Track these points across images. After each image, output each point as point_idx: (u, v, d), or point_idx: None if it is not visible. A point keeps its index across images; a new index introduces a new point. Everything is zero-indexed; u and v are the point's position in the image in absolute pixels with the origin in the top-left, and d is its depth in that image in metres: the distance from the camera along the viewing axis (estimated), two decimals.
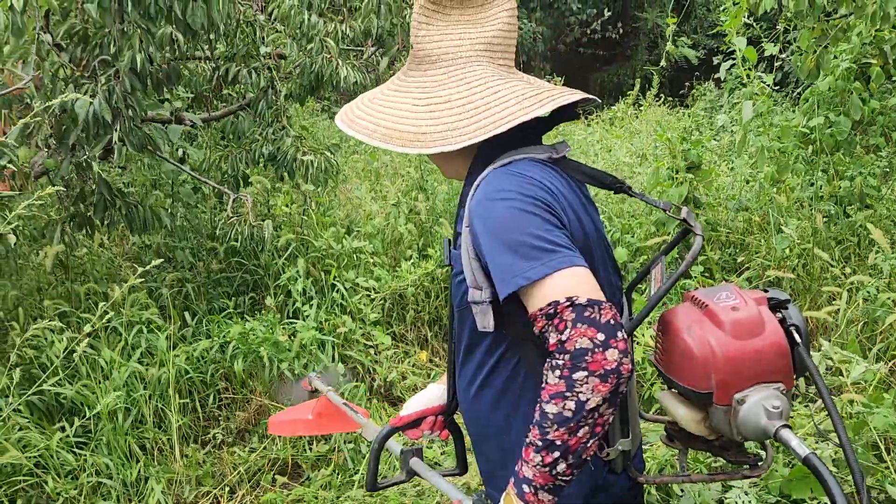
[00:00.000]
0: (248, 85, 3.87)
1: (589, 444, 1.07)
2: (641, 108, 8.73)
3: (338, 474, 3.04)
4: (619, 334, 1.04)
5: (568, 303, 1.05)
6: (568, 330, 1.04)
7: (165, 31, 3.05)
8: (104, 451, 2.91)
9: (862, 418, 2.34)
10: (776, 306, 1.21)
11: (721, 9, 4.15)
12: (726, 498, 2.21)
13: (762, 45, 3.97)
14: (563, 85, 9.19)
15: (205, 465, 3.11)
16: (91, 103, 2.30)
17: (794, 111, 5.44)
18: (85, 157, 3.03)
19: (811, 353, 1.23)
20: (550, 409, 1.05)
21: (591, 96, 1.27)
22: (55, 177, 3.12)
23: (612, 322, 1.04)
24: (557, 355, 1.05)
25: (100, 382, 3.03)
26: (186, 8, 3.04)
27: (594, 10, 13.55)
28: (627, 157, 6.04)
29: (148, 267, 2.13)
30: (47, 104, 2.42)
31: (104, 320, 3.38)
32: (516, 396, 1.27)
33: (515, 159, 1.23)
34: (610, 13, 13.28)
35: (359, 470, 3.04)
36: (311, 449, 3.23)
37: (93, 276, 3.76)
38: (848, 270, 3.39)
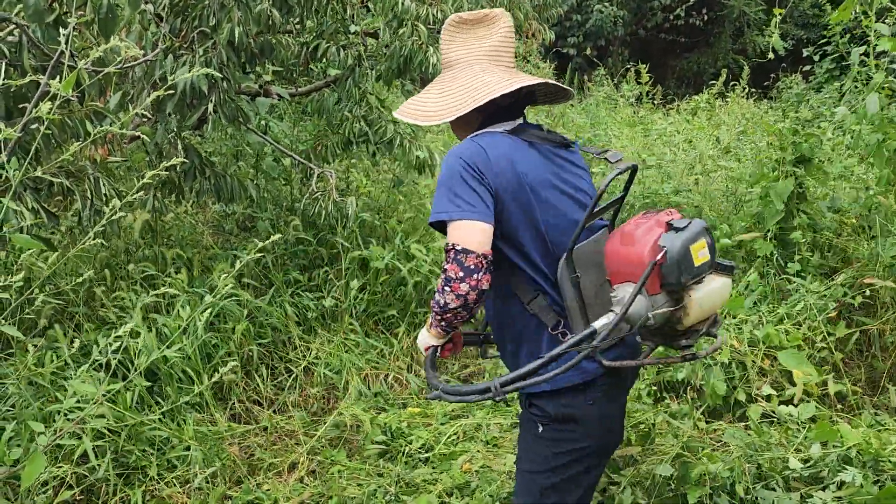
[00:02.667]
0: (335, 62, 3.89)
1: (455, 321, 1.69)
2: (728, 99, 8.42)
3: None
4: (475, 275, 1.58)
5: (451, 247, 1.60)
6: (447, 263, 1.61)
7: (263, 5, 3.09)
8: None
9: None
10: (676, 230, 1.61)
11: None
12: None
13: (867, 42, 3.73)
14: (647, 71, 8.95)
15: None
16: (191, 74, 2.35)
17: None
18: (179, 126, 3.11)
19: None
20: (436, 296, 1.67)
21: (561, 86, 1.81)
22: (150, 143, 3.21)
23: (471, 266, 1.58)
24: (441, 274, 1.63)
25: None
26: None
27: None
28: (711, 150, 5.85)
29: (267, 242, 2.18)
30: (151, 74, 2.48)
31: (189, 286, 3.51)
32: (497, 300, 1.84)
33: (483, 132, 1.74)
34: None
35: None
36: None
37: (178, 242, 3.87)
38: None
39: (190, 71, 2.81)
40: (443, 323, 1.72)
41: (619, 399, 1.85)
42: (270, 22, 3.19)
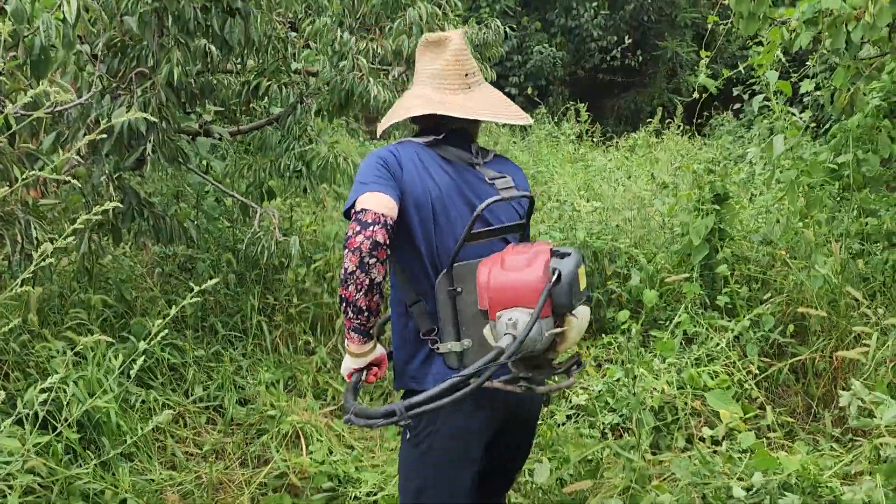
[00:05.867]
0: (277, 100, 3.89)
1: (358, 298, 1.66)
2: (662, 137, 8.72)
3: None
4: (371, 228, 1.61)
5: (357, 208, 1.66)
6: (349, 223, 1.65)
7: (199, 43, 3.07)
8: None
9: (894, 463, 2.30)
10: (560, 256, 1.66)
11: (741, 41, 4.14)
12: None
13: (791, 80, 3.95)
14: (586, 109, 9.22)
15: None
16: (128, 116, 2.31)
17: (817, 144, 5.42)
18: (117, 167, 3.04)
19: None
20: (339, 288, 1.67)
21: (498, 119, 1.89)
22: (86, 185, 3.13)
23: (368, 220, 1.62)
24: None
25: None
26: (225, 24, 3.07)
27: (615, 37, 13.59)
28: (647, 186, 6.02)
29: (203, 286, 2.13)
30: (90, 114, 2.43)
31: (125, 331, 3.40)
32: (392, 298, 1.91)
33: (404, 140, 1.88)
34: (630, 40, 13.32)
35: None
36: None
37: (116, 285, 3.77)
38: (879, 311, 3.35)
39: (128, 111, 2.76)
40: (351, 316, 1.70)
41: (478, 416, 1.84)
42: (210, 60, 3.18)
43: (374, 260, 1.62)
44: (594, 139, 9.34)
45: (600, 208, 5.21)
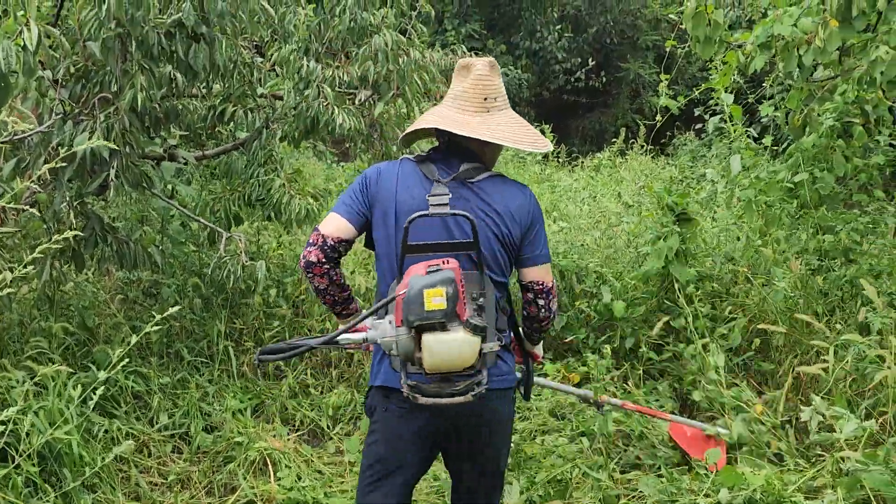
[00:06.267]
0: (243, 125, 3.88)
1: (318, 296, 2.08)
2: (627, 157, 8.86)
3: None
4: (308, 248, 1.97)
5: (314, 227, 2.01)
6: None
7: (164, 69, 3.06)
8: None
9: (855, 476, 2.35)
10: (429, 273, 1.77)
11: (701, 62, 4.26)
12: None
13: (748, 101, 4.07)
14: (552, 130, 9.33)
15: None
16: (90, 143, 2.30)
17: (774, 163, 5.56)
18: (79, 193, 3.00)
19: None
20: None
21: (482, 136, 1.96)
22: (47, 211, 3.08)
23: (311, 240, 1.98)
24: None
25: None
26: (189, 50, 3.06)
27: (578, 59, 13.82)
28: (614, 205, 6.11)
29: (167, 313, 2.16)
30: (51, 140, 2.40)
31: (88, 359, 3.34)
32: None
33: (403, 157, 2.06)
34: (594, 62, 13.55)
35: None
36: None
37: (79, 311, 3.70)
38: (837, 326, 3.43)
39: (91, 137, 2.74)
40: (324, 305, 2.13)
41: (413, 423, 1.98)
42: (175, 85, 3.17)
43: (310, 275, 1.99)
44: (560, 160, 9.45)
45: (566, 228, 5.26)
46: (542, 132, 9.32)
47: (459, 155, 2.01)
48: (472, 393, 1.80)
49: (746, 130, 4.16)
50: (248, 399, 3.80)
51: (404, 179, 1.98)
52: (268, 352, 1.87)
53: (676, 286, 3.84)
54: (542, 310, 2.09)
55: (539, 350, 2.33)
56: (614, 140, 9.82)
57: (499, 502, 2.22)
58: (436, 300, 1.71)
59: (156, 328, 2.14)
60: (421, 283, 1.72)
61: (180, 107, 3.43)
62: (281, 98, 3.98)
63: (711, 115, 5.17)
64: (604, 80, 14.01)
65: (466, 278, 1.84)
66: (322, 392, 3.99)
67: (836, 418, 2.45)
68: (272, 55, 3.77)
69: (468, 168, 1.99)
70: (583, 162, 9.41)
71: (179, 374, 3.79)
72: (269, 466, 3.25)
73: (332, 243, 1.96)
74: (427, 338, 1.73)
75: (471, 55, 5.64)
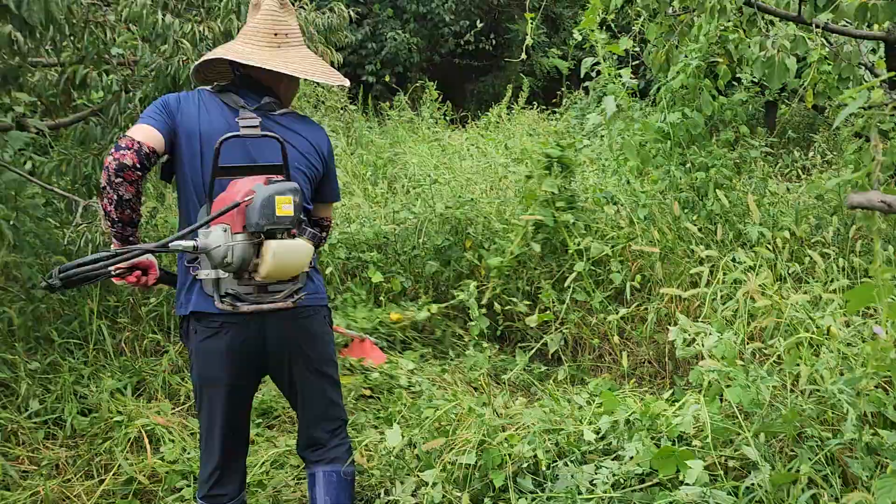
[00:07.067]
0: (98, 88, 3.62)
1: (110, 210, 1.90)
2: (513, 112, 8.95)
3: None
4: (121, 151, 1.83)
5: (122, 135, 1.89)
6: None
7: (3, 30, 2.81)
8: None
9: (717, 386, 2.45)
10: (271, 183, 1.85)
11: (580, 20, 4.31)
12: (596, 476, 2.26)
13: (619, 40, 4.14)
14: (446, 94, 9.28)
15: None
16: None
17: (648, 106, 5.73)
18: None
19: None
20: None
21: (274, 67, 2.00)
22: None
23: (122, 144, 1.85)
24: None
25: None
26: (21, 2, 2.81)
27: (467, 21, 13.78)
28: (502, 159, 6.14)
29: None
30: None
31: None
32: None
33: (201, 87, 2.10)
34: (482, 24, 13.56)
35: None
36: None
37: None
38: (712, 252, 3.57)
39: None
40: (108, 224, 1.94)
41: (221, 341, 1.99)
42: (16, 47, 2.91)
43: (119, 179, 1.84)
44: (452, 121, 9.45)
45: (454, 183, 5.25)
46: (437, 99, 9.26)
47: (255, 89, 2.06)
48: (293, 299, 1.89)
49: (617, 72, 4.23)
50: (128, 377, 3.61)
51: (206, 105, 2.00)
52: (73, 266, 1.76)
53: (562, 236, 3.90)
54: (322, 242, 2.16)
55: None
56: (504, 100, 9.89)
57: (341, 402, 2.26)
58: (286, 206, 1.78)
59: (18, 311, 2.00)
60: (271, 190, 1.77)
61: (20, 67, 3.16)
62: (136, 61, 3.74)
63: (598, 74, 5.24)
64: (494, 42, 14.05)
65: None
66: None
67: (700, 334, 2.53)
68: (123, 11, 3.53)
69: (269, 101, 2.05)
70: (474, 122, 9.45)
71: (50, 358, 3.56)
72: (146, 442, 3.10)
73: (147, 151, 1.87)
74: (272, 244, 1.78)
75: (351, 14, 5.51)
